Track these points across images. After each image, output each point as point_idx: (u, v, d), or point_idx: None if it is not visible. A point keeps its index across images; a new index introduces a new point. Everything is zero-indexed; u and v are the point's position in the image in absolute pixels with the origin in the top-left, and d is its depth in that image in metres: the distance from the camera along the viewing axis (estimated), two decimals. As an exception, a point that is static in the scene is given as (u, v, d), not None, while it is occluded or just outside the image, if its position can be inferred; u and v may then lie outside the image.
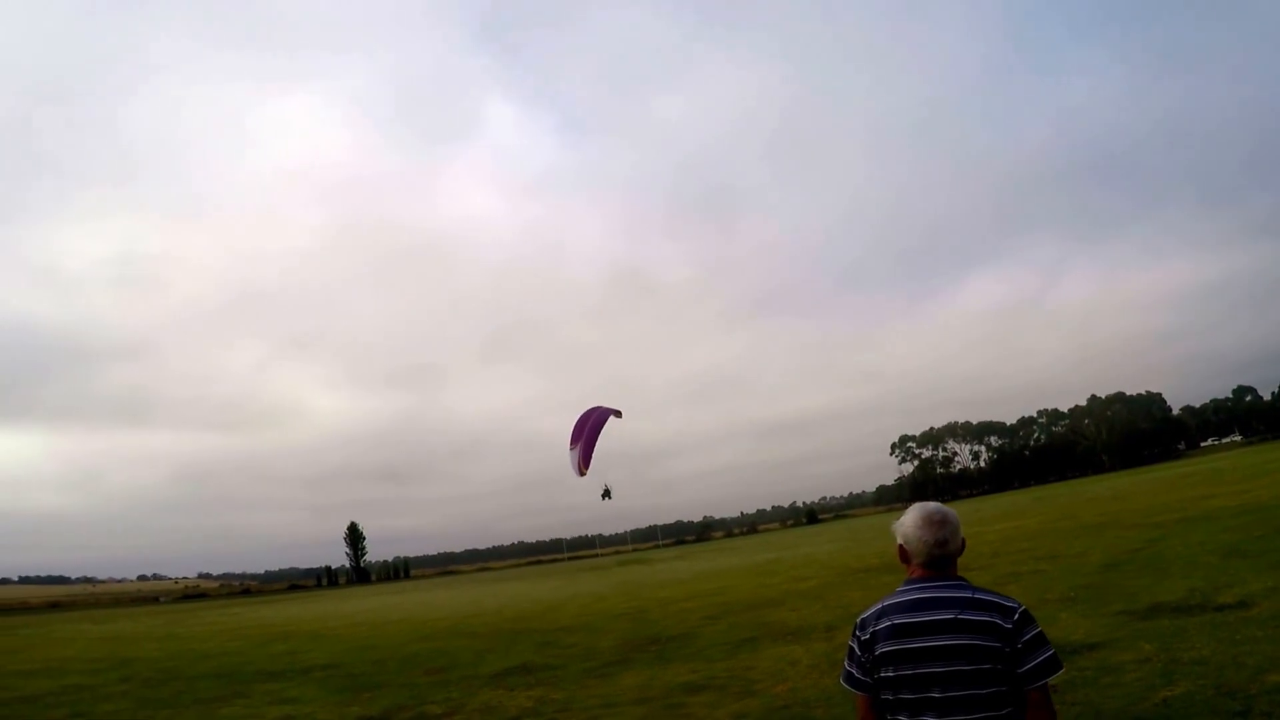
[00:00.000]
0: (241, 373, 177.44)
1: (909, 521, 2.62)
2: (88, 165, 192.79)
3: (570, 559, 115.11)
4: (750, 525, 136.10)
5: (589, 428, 15.28)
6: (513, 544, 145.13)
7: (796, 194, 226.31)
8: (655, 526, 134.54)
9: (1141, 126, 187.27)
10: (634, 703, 8.93)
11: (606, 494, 17.21)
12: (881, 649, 2.50)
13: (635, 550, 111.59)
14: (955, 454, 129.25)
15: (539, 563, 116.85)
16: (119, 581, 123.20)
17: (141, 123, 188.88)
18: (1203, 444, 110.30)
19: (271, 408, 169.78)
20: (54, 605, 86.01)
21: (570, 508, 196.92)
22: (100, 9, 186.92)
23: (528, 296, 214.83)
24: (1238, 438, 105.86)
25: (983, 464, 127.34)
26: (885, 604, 2.57)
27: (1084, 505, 34.68)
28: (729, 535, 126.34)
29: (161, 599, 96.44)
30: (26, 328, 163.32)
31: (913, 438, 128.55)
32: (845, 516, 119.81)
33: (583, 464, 15.16)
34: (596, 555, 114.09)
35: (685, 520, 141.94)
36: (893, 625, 2.50)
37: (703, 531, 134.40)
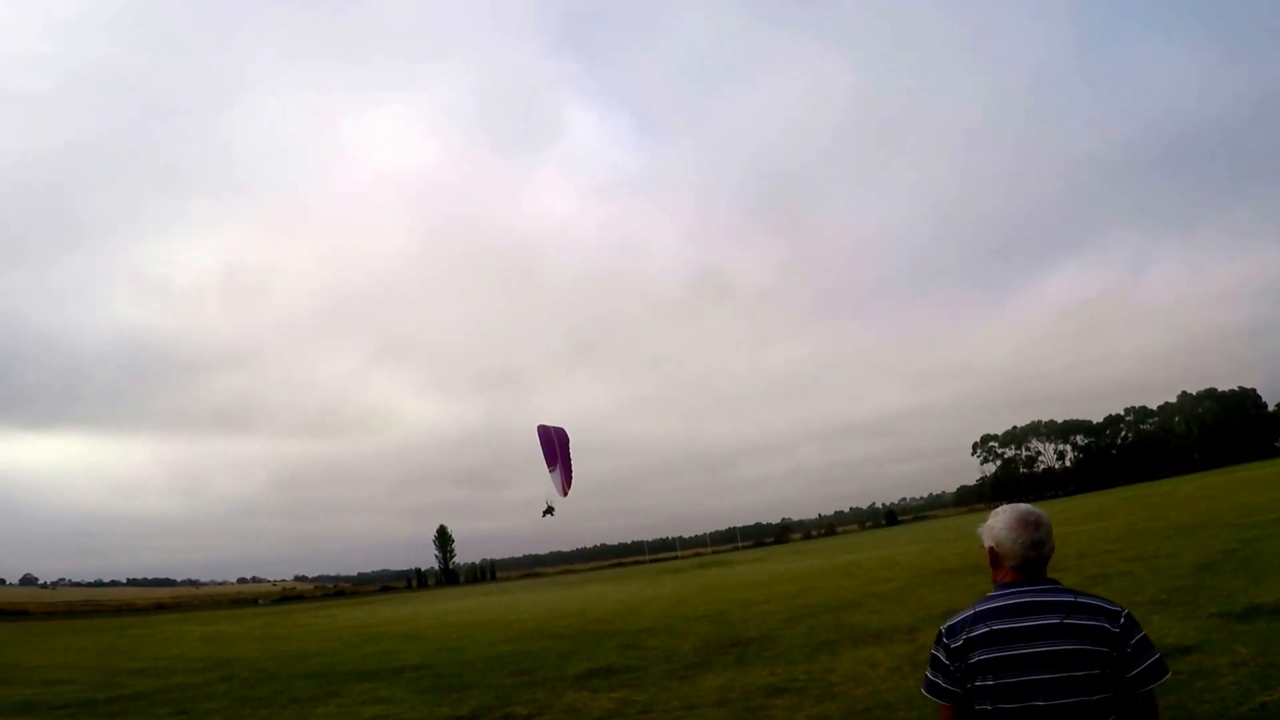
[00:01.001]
0: (337, 379, 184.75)
1: (1001, 523, 2.50)
2: (196, 178, 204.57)
3: (650, 561, 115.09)
4: (828, 527, 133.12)
5: (561, 447, 15.14)
6: (595, 546, 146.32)
7: (870, 190, 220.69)
8: (734, 528, 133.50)
9: (1226, 107, 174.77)
10: (714, 705, 8.84)
11: (549, 511, 17.02)
12: (978, 657, 2.36)
13: (714, 552, 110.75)
14: (1039, 453, 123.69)
15: (620, 565, 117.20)
16: (220, 584, 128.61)
17: (245, 135, 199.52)
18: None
19: (365, 413, 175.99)
20: (160, 606, 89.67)
21: (649, 510, 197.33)
22: (205, 25, 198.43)
23: (608, 299, 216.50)
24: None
25: (1068, 463, 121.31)
26: (979, 609, 2.43)
27: (1175, 505, 33.17)
28: (807, 537, 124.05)
29: (260, 601, 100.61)
30: (138, 338, 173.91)
31: (995, 437, 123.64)
32: (925, 518, 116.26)
33: (565, 484, 15.09)
34: (676, 557, 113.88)
35: (763, 522, 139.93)
36: (991, 631, 2.36)
37: (781, 533, 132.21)
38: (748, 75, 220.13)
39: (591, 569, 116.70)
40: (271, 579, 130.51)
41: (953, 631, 2.43)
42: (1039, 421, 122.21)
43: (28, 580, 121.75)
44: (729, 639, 13.93)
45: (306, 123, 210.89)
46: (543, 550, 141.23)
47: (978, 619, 2.41)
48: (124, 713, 12.06)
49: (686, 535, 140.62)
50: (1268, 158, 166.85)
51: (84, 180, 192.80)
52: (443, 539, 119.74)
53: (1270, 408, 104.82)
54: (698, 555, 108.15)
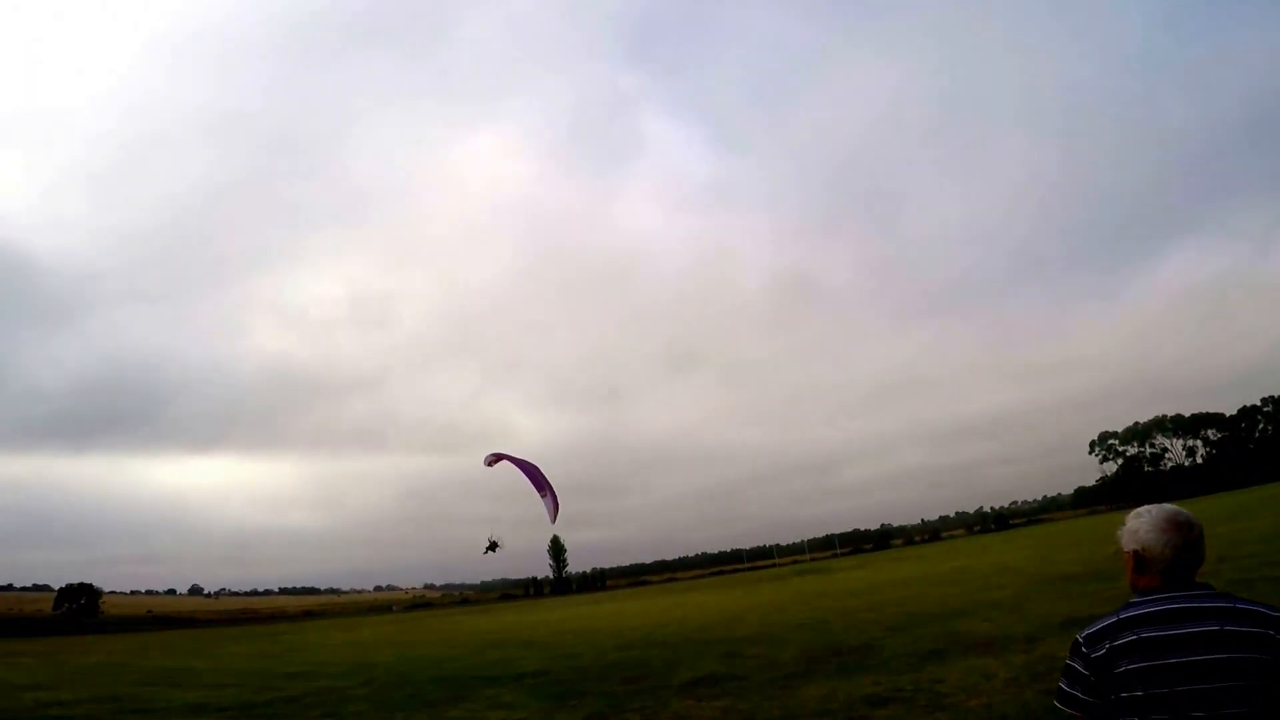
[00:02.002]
0: (457, 397, 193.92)
1: (1148, 525, 2.34)
2: (321, 211, 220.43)
3: (749, 569, 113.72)
4: (932, 532, 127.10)
5: (538, 475, 15.04)
6: (696, 554, 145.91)
7: (960, 181, 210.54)
8: (832, 535, 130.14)
9: None
10: (816, 715, 8.65)
11: (492, 548, 16.62)
12: (1126, 666, 2.19)
13: (812, 559, 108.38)
14: (1165, 450, 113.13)
15: (720, 573, 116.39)
16: (359, 592, 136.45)
17: (361, 168, 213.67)
18: None
19: (483, 430, 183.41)
20: (307, 614, 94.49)
21: (748, 518, 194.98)
22: (313, 63, 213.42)
23: (701, 309, 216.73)
24: None
25: (1198, 460, 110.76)
26: (1125, 616, 2.26)
27: None
28: (909, 543, 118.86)
29: (394, 608, 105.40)
30: (281, 366, 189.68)
31: (1115, 434, 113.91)
32: (1040, 521, 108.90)
33: (553, 512, 15.04)
34: (774, 565, 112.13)
35: (863, 528, 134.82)
36: (1140, 640, 2.19)
37: (881, 539, 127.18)
38: (825, 76, 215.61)
39: (693, 577, 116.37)
40: (404, 587, 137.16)
41: (1094, 640, 2.26)
42: (1164, 416, 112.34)
43: (195, 590, 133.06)
44: (830, 647, 13.59)
45: (413, 153, 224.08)
46: (648, 559, 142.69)
47: (1124, 626, 2.24)
48: (279, 715, 12.88)
49: (785, 542, 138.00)
50: None
51: (225, 218, 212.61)
52: (556, 549, 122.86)
53: None
54: (795, 562, 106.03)
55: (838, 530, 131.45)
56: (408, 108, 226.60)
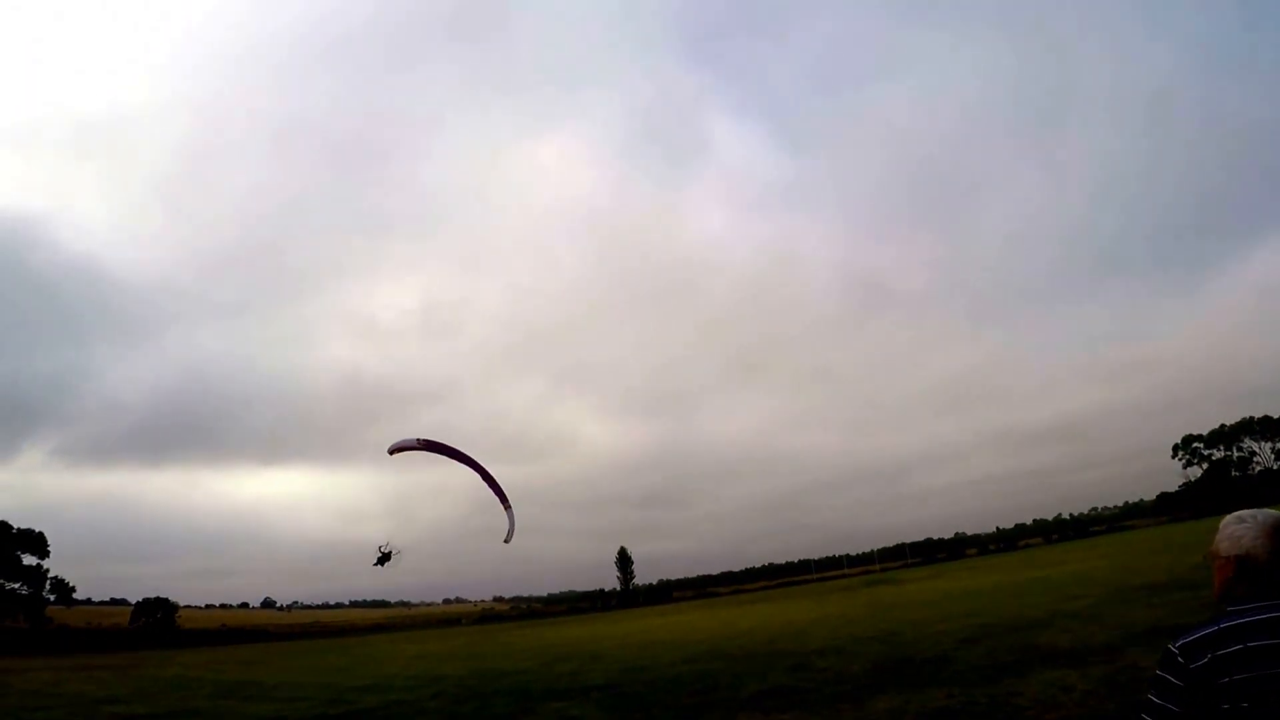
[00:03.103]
0: (525, 407, 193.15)
1: (1254, 532, 2.19)
2: (392, 221, 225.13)
3: (818, 579, 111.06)
4: (1008, 540, 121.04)
5: (495, 485, 14.61)
6: (763, 565, 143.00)
7: (1040, 176, 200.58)
8: (903, 544, 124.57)
9: None
10: (889, 728, 8.38)
11: (384, 559, 15.62)
12: (1232, 677, 2.05)
13: (883, 569, 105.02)
14: (1254, 453, 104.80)
15: (789, 584, 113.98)
16: (428, 604, 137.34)
17: (430, 177, 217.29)
18: None
19: (550, 439, 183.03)
20: (377, 626, 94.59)
21: (817, 527, 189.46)
22: (382, 72, 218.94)
23: (767, 314, 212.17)
24: None
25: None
26: (1227, 625, 2.12)
27: None
28: (984, 552, 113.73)
29: (463, 620, 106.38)
30: (353, 377, 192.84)
31: (1200, 437, 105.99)
32: (1121, 528, 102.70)
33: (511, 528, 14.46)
34: (844, 575, 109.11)
35: (935, 537, 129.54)
36: (1247, 650, 2.06)
37: (955, 548, 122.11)
38: (895, 70, 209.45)
39: (761, 588, 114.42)
40: (473, 599, 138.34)
41: (1193, 649, 2.11)
42: (1252, 418, 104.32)
43: (268, 603, 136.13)
44: (901, 659, 13.15)
45: (481, 158, 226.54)
46: (714, 570, 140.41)
47: (1227, 635, 2.09)
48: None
49: (854, 553, 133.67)
50: None
51: (296, 228, 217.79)
52: (623, 560, 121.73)
53: None
54: (865, 573, 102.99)
55: (909, 539, 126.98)
56: (475, 112, 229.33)
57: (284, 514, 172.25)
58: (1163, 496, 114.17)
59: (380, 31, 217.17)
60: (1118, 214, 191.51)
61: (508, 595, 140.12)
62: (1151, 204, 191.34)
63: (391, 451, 14.77)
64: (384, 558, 15.94)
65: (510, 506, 15.77)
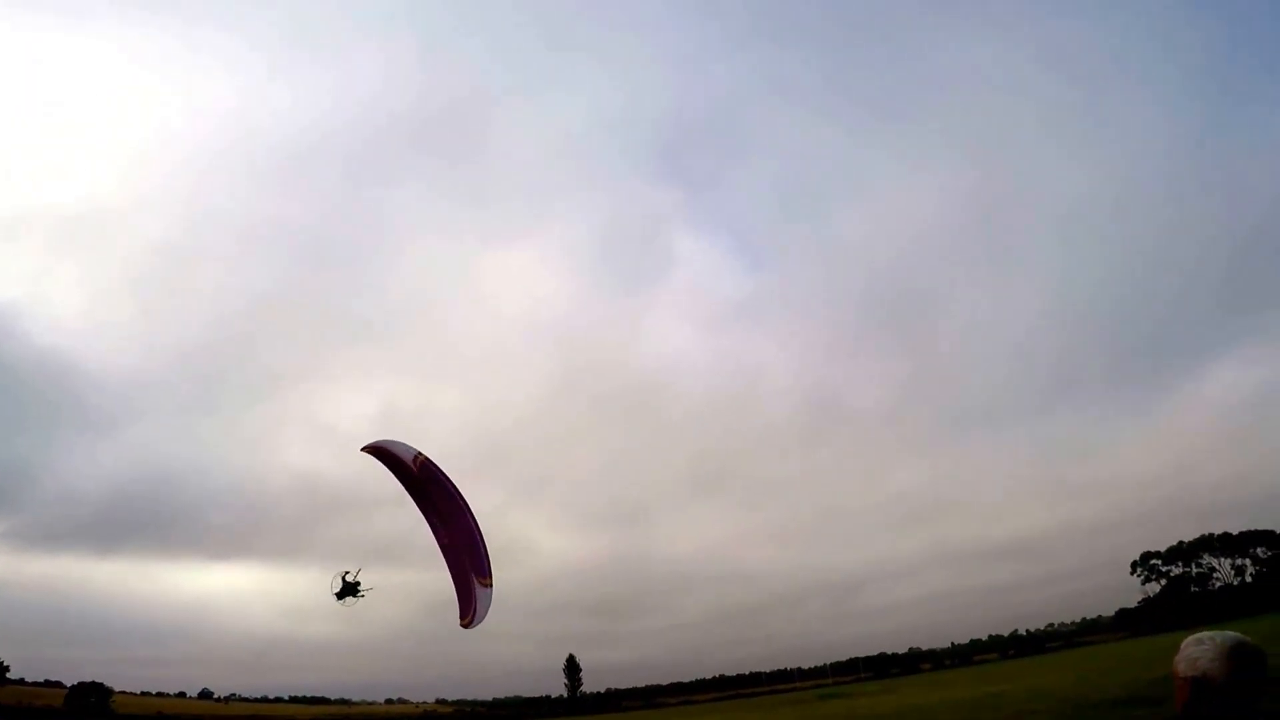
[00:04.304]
0: (482, 516, 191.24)
1: (1212, 655, 2.35)
2: (356, 325, 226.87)
3: (769, 692, 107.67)
4: (963, 655, 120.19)
5: (480, 552, 13.03)
6: (714, 677, 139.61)
7: (991, 296, 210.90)
8: (856, 658, 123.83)
9: None
10: None
11: (348, 591, 13.84)
12: None
13: (835, 683, 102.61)
14: (1213, 569, 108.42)
15: (739, 695, 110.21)
16: (369, 703, 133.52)
17: (398, 285, 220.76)
18: None
19: (507, 547, 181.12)
20: None
21: (769, 639, 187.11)
22: (355, 180, 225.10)
23: (727, 428, 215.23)
24: None
25: (1248, 579, 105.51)
26: None
27: None
28: (939, 667, 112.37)
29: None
30: (310, 480, 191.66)
31: (1158, 554, 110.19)
32: (1079, 644, 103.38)
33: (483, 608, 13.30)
34: (795, 688, 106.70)
35: (889, 651, 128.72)
36: None
37: (909, 663, 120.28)
38: (850, 190, 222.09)
39: (711, 699, 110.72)
40: (415, 700, 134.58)
41: None
42: (1211, 535, 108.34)
43: (205, 694, 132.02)
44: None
45: (449, 269, 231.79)
46: (664, 680, 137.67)
47: None
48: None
49: (806, 665, 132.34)
50: None
51: (266, 332, 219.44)
52: (571, 667, 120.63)
53: None
54: (818, 686, 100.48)
55: (863, 653, 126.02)
56: (445, 222, 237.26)
57: (230, 608, 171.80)
58: (1122, 612, 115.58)
59: (358, 138, 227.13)
60: (1070, 332, 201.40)
61: (451, 698, 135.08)
62: (1104, 322, 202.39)
63: (370, 450, 13.11)
64: (348, 588, 14.03)
65: (491, 584, 13.99)
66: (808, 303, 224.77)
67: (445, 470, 13.84)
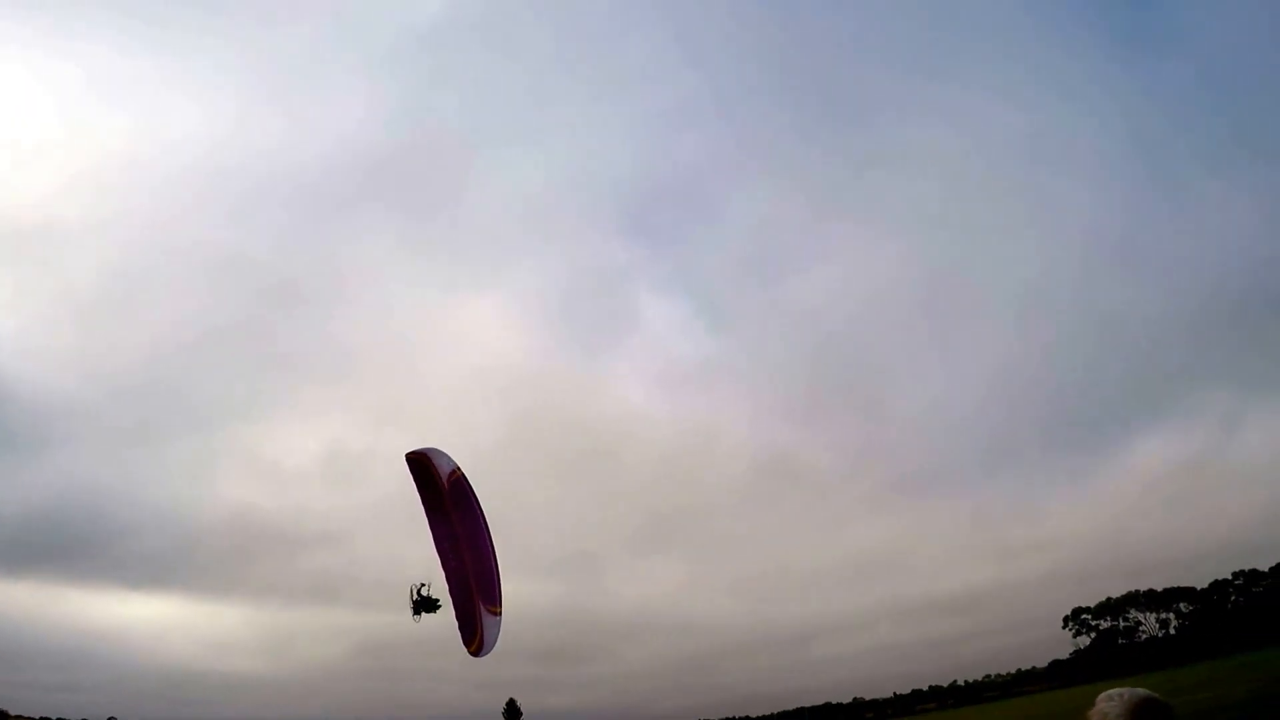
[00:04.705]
0: (426, 561, 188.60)
1: (1119, 711, 2.38)
2: (308, 366, 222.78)
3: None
4: (905, 705, 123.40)
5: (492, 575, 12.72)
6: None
7: (940, 368, 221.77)
8: (803, 708, 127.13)
9: None
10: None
11: (424, 606, 13.34)
12: None
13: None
14: (1139, 623, 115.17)
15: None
16: None
17: (353, 327, 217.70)
18: None
19: (448, 591, 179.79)
20: None
21: (719, 689, 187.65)
22: (319, 217, 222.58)
23: (681, 486, 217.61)
24: None
25: (1171, 631, 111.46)
26: None
27: None
28: (881, 716, 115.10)
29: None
30: (244, 515, 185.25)
31: (1088, 609, 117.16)
32: (1015, 694, 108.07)
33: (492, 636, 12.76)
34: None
35: (835, 701, 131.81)
36: None
37: (854, 712, 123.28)
38: (812, 258, 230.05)
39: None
40: None
41: None
42: (1138, 591, 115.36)
43: None
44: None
45: (408, 314, 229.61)
46: None
47: None
48: None
49: (754, 715, 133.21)
50: None
51: (212, 363, 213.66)
52: (511, 712, 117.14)
53: None
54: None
55: (809, 703, 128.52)
56: (407, 268, 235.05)
57: (148, 639, 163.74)
58: (1054, 663, 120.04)
59: (327, 178, 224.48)
60: (1012, 403, 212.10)
61: None
62: (1041, 396, 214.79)
63: (413, 457, 12.55)
64: (423, 603, 13.37)
65: (500, 612, 13.35)
66: (765, 366, 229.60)
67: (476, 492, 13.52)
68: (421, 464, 13.11)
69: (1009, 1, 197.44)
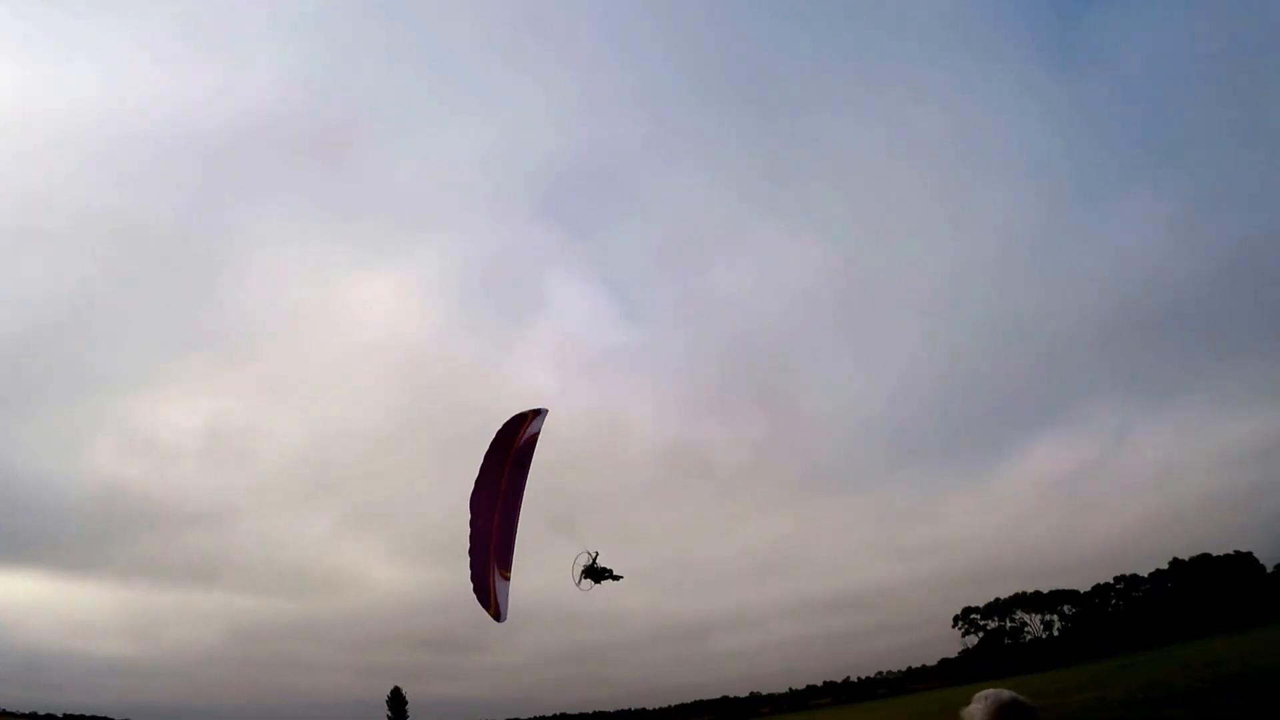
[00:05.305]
0: (308, 542, 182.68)
1: (983, 712, 2.79)
2: (194, 336, 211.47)
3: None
4: (800, 700, 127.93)
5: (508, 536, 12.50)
6: (554, 715, 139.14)
7: (850, 366, 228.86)
8: (701, 701, 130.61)
9: (1199, 274, 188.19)
10: None
11: (601, 575, 13.46)
12: None
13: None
14: (1025, 624, 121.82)
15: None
16: None
17: (245, 298, 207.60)
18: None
19: (333, 577, 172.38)
20: None
21: (615, 682, 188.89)
22: (218, 184, 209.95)
23: (585, 475, 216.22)
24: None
25: (1055, 633, 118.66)
26: None
27: (1176, 671, 32.16)
28: (776, 710, 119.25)
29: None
30: (117, 490, 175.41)
31: (977, 609, 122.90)
32: (904, 691, 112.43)
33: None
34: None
35: (731, 695, 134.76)
36: None
37: (750, 706, 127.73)
38: (731, 251, 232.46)
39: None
40: None
41: None
42: (1024, 592, 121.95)
43: None
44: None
45: (304, 288, 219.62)
46: (500, 717, 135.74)
47: None
48: None
49: (651, 707, 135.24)
50: (1244, 324, 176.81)
51: (93, 330, 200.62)
52: (396, 701, 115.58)
53: (1269, 570, 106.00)
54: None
55: (707, 696, 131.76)
56: (309, 240, 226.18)
57: (7, 616, 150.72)
58: (944, 661, 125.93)
59: (230, 140, 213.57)
60: (915, 405, 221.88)
61: None
62: (945, 399, 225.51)
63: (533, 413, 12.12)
64: (597, 572, 13.08)
65: (509, 578, 13.39)
66: (676, 357, 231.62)
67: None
68: (522, 419, 13.24)
69: (940, 9, 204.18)
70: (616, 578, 13.90)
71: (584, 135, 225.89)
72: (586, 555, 13.90)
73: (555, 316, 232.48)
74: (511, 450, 13.29)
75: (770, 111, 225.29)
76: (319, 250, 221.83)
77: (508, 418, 13.60)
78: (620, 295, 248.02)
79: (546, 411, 13.57)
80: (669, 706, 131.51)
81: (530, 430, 13.46)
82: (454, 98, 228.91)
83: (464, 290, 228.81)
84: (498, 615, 13.38)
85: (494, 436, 13.32)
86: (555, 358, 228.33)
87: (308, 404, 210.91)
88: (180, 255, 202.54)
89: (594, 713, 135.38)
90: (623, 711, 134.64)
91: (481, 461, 13.37)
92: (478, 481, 13.32)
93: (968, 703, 2.77)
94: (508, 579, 13.54)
